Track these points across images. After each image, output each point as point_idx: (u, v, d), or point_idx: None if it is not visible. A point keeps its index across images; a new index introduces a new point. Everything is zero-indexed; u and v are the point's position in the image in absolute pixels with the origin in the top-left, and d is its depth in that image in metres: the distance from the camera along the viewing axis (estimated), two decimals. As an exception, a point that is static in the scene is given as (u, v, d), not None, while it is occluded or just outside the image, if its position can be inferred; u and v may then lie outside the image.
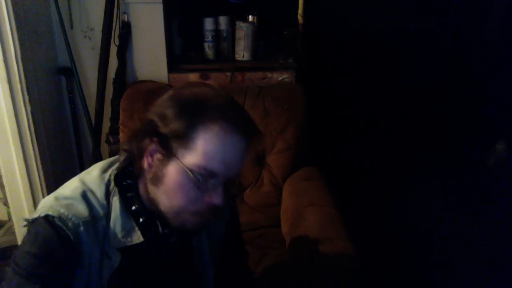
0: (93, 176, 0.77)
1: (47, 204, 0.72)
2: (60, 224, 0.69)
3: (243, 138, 0.70)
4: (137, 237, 0.74)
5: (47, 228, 0.69)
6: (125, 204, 0.74)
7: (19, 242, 0.84)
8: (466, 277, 1.58)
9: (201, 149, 0.67)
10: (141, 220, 0.75)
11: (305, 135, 1.67)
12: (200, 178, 0.68)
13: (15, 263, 0.68)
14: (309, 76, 2.00)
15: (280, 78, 1.89)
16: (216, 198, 0.70)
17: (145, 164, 0.72)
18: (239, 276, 1.00)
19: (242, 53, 1.92)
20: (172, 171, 0.69)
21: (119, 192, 0.75)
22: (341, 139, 2.24)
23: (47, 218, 0.70)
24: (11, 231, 1.95)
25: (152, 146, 0.71)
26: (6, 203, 1.90)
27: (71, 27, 1.78)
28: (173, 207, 0.71)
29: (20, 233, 1.71)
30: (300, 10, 1.97)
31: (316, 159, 1.74)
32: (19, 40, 1.53)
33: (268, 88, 1.74)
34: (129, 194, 0.76)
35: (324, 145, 2.01)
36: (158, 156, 0.71)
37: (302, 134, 1.66)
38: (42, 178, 1.71)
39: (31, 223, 0.71)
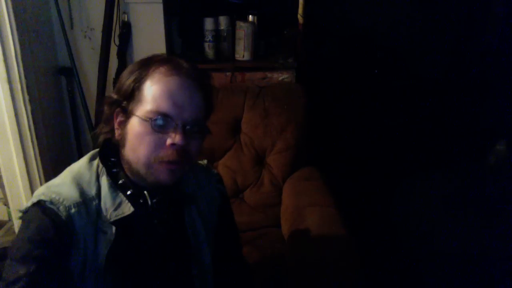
0: (81, 163, 0.82)
1: (39, 192, 0.76)
2: (51, 207, 0.73)
3: (187, 78, 0.74)
4: (128, 208, 0.77)
5: (39, 214, 0.72)
6: (112, 181, 0.79)
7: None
8: (466, 277, 1.58)
9: (150, 96, 0.73)
10: (129, 192, 0.79)
11: (305, 135, 1.67)
12: (156, 122, 0.72)
13: (11, 250, 0.71)
14: (309, 76, 2.00)
15: (280, 78, 1.89)
16: (175, 138, 0.72)
17: (117, 135, 0.78)
18: (234, 260, 1.04)
19: (242, 53, 1.92)
20: (131, 127, 0.75)
21: (106, 171, 0.79)
22: (341, 139, 2.24)
23: (39, 203, 0.74)
24: (11, 231, 1.95)
25: (117, 117, 0.77)
26: (6, 203, 1.90)
27: (71, 27, 1.78)
28: (140, 159, 0.74)
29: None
30: (300, 10, 1.97)
31: (316, 159, 1.73)
32: (19, 40, 1.53)
33: (268, 88, 1.74)
34: (114, 170, 0.80)
35: (324, 145, 2.01)
36: (122, 122, 0.76)
37: (302, 134, 1.66)
38: (42, 178, 1.71)
39: (25, 213, 0.75)
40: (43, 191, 0.76)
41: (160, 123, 0.72)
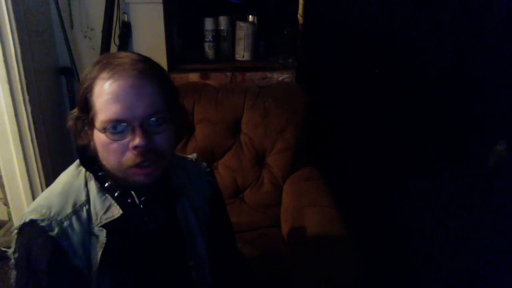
0: (69, 171, 0.84)
1: (31, 207, 0.78)
2: (43, 225, 0.74)
3: (131, 76, 0.72)
4: (117, 211, 0.79)
5: (35, 238, 0.74)
6: (100, 184, 0.80)
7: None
8: (466, 277, 1.58)
9: (99, 106, 0.72)
10: (116, 194, 0.80)
11: (305, 135, 1.67)
12: (111, 130, 0.72)
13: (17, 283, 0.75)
14: (309, 76, 2.00)
15: (280, 78, 1.89)
16: (135, 140, 0.72)
17: (91, 146, 0.78)
18: (229, 250, 1.05)
19: (242, 53, 1.92)
20: (96, 138, 0.75)
21: (93, 175, 0.81)
22: (341, 139, 2.24)
23: (31, 223, 0.74)
24: (11, 231, 1.95)
25: (84, 131, 0.77)
26: (6, 203, 1.90)
27: (71, 27, 1.78)
28: (113, 167, 0.75)
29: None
30: (300, 10, 1.98)
31: (316, 159, 1.74)
32: (19, 40, 1.53)
33: (268, 88, 1.74)
34: (100, 174, 0.81)
35: (324, 145, 2.01)
36: (89, 134, 0.77)
37: (302, 134, 1.65)
38: (42, 178, 1.71)
39: (19, 234, 0.76)
40: (34, 207, 0.77)
41: (115, 130, 0.72)
